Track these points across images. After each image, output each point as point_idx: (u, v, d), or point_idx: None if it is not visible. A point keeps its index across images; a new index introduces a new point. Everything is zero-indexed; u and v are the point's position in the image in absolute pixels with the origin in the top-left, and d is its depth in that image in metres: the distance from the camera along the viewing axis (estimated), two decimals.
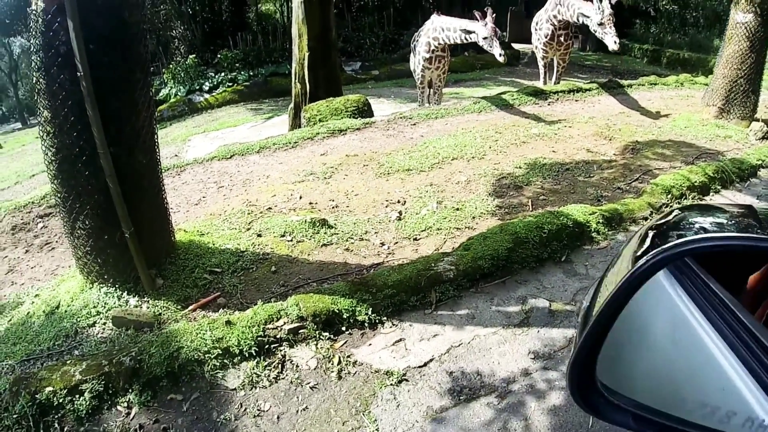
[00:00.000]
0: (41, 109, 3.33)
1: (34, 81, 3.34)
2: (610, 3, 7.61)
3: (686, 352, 0.76)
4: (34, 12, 3.12)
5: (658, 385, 0.78)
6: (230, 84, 15.20)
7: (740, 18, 7.10)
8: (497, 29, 7.30)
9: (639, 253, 0.77)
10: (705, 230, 0.76)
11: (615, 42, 7.55)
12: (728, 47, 7.32)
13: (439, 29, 8.07)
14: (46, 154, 3.44)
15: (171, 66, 15.60)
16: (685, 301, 0.76)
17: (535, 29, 9.65)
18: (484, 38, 7.29)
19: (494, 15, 7.34)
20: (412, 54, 9.32)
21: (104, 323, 3.46)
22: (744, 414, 0.65)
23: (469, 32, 7.47)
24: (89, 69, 3.06)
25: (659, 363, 0.79)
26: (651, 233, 0.78)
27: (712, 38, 16.13)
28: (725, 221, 0.76)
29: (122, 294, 3.65)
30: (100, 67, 3.14)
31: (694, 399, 0.71)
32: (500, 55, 7.22)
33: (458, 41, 7.90)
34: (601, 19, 7.63)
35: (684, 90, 9.41)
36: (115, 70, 3.27)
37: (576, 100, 8.74)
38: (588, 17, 7.91)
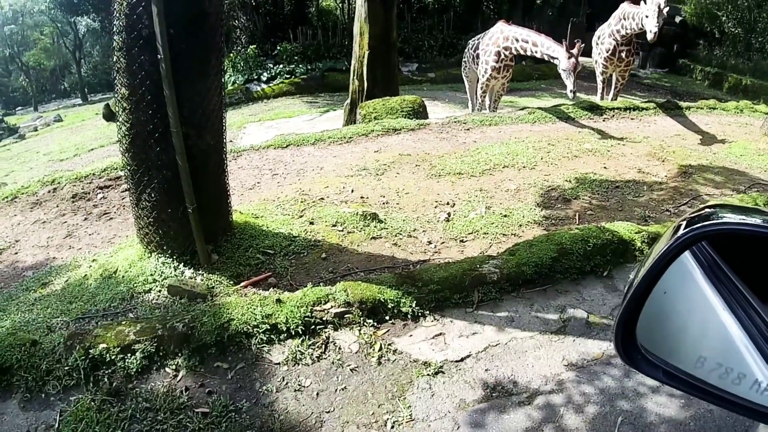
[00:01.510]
0: (119, 86, 3.53)
1: (114, 60, 3.54)
2: (659, 8, 7.61)
3: (704, 322, 0.90)
4: None
5: (682, 348, 0.92)
6: (288, 76, 15.52)
7: None
8: (578, 64, 7.26)
9: (672, 235, 0.89)
10: (731, 219, 0.88)
11: (651, 32, 7.70)
12: None
13: (512, 39, 8.00)
14: (120, 129, 3.66)
15: (231, 55, 16.04)
16: (704, 280, 0.89)
17: (597, 43, 9.56)
18: (563, 70, 7.28)
19: (582, 46, 7.32)
20: (469, 60, 9.32)
21: (159, 291, 3.65)
22: (751, 377, 0.81)
23: (552, 58, 7.45)
24: (168, 52, 3.25)
25: (683, 329, 0.93)
26: (684, 222, 0.90)
27: None
28: (757, 216, 0.88)
29: (178, 265, 3.85)
30: (179, 52, 3.34)
31: (711, 361, 0.85)
32: (571, 91, 7.24)
33: (536, 55, 7.85)
34: (648, 11, 7.65)
35: (743, 117, 9.16)
36: (192, 55, 3.46)
37: (632, 119, 8.62)
38: (646, 28, 7.95)
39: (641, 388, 2.88)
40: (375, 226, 4.58)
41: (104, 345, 2.93)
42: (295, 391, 2.86)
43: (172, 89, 3.34)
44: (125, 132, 3.63)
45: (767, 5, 16.55)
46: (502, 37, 8.17)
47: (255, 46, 16.49)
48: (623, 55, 9.09)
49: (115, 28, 3.44)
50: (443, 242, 4.45)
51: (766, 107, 9.57)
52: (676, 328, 0.94)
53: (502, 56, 8.28)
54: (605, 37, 9.17)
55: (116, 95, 3.62)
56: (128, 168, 3.76)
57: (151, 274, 3.78)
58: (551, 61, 7.58)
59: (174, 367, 2.96)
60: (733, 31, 17.65)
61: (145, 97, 3.44)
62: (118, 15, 3.38)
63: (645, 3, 7.92)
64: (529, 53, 7.96)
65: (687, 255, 0.89)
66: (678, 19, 18.57)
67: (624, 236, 4.09)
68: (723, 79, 16.93)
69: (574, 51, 7.23)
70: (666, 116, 8.78)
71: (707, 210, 0.90)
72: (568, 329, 3.35)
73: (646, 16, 7.87)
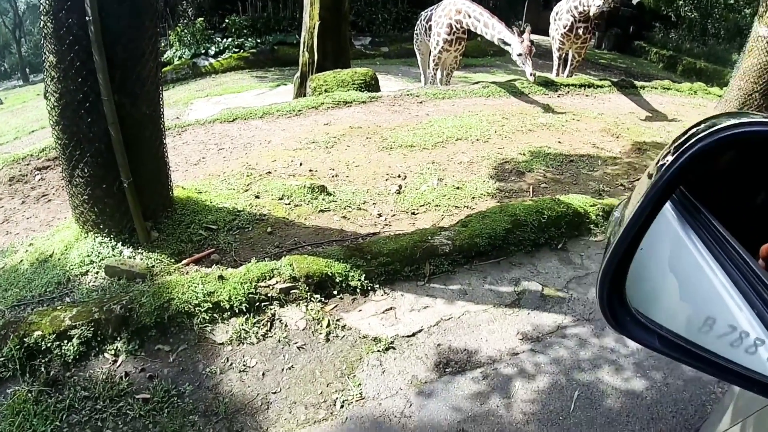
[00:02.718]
0: (47, 53, 3.29)
1: (41, 25, 3.29)
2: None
3: (692, 279, 0.79)
4: None
5: (683, 309, 0.79)
6: (236, 50, 15.01)
7: (763, 31, 7.02)
8: (533, 47, 7.23)
9: (659, 163, 0.74)
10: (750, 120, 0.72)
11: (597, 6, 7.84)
12: (747, 60, 7.24)
13: (465, 13, 7.87)
14: (49, 100, 3.41)
15: (178, 28, 15.37)
16: (690, 236, 0.78)
17: (554, 19, 9.53)
18: (519, 55, 7.21)
19: (531, 34, 7.26)
20: (422, 33, 9.15)
21: (97, 272, 3.48)
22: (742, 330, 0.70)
23: (505, 43, 7.37)
24: (98, 14, 3.03)
25: (686, 285, 0.80)
26: (678, 142, 0.75)
27: (731, 51, 15.74)
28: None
29: (116, 245, 3.66)
30: (109, 13, 3.11)
31: (722, 323, 0.72)
32: (531, 74, 7.18)
33: (486, 37, 7.77)
34: None
35: (697, 99, 9.35)
36: (123, 17, 3.23)
37: (587, 95, 8.67)
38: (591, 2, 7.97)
39: (598, 360, 2.86)
40: (323, 199, 4.43)
41: (39, 332, 2.76)
42: (240, 371, 2.74)
43: (103, 54, 3.10)
44: (54, 103, 3.37)
45: None
46: (455, 10, 8.04)
47: (202, 18, 15.79)
48: (580, 32, 9.10)
49: None
50: (394, 215, 4.35)
51: (720, 90, 9.76)
52: (674, 284, 0.81)
53: (454, 29, 8.14)
54: (563, 13, 9.15)
55: (44, 64, 3.36)
56: (59, 142, 3.51)
57: (88, 255, 3.58)
58: (502, 46, 7.52)
59: (113, 352, 2.81)
60: (689, 15, 18.01)
61: (74, 63, 3.19)
62: None
63: None
64: (479, 32, 7.86)
65: (669, 206, 0.76)
66: (635, 0, 18.81)
67: (578, 209, 4.07)
68: (677, 62, 17.24)
69: (525, 35, 7.20)
70: (621, 94, 8.88)
71: (705, 125, 0.74)
72: (522, 302, 3.30)
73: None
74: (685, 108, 8.58)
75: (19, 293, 3.39)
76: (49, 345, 2.74)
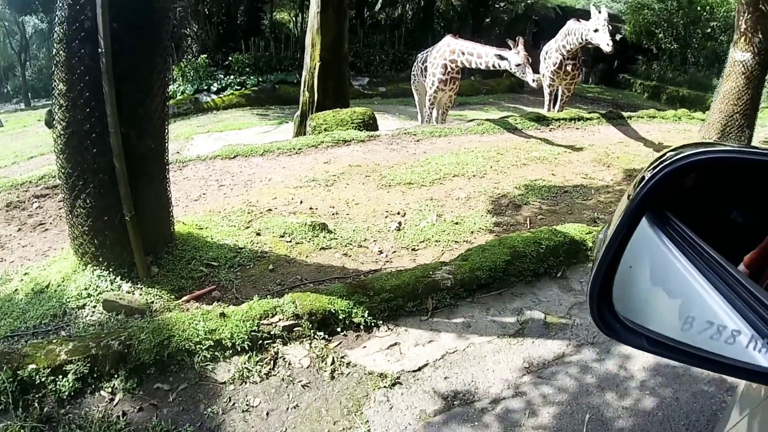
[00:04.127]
0: (57, 81, 3.33)
1: (53, 52, 3.34)
2: (609, 30, 7.87)
3: (673, 286, 0.86)
4: None
5: (665, 311, 0.88)
6: (238, 87, 15.22)
7: (739, 56, 7.37)
8: (529, 57, 7.37)
9: (642, 182, 0.86)
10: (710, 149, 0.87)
11: (608, 44, 7.96)
12: (726, 84, 7.56)
13: (459, 52, 8.06)
14: (56, 128, 3.44)
15: (182, 64, 15.60)
16: (673, 244, 0.85)
17: (544, 58, 9.82)
18: (517, 65, 7.33)
19: (524, 45, 7.42)
20: (418, 73, 9.34)
21: (94, 306, 3.42)
22: (747, 333, 0.75)
23: (502, 58, 7.50)
24: (111, 47, 3.07)
25: (664, 291, 0.89)
26: (652, 167, 0.87)
27: (711, 77, 16.41)
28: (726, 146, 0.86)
29: (115, 279, 3.61)
30: (122, 47, 3.16)
31: (701, 320, 0.80)
32: (533, 81, 7.32)
33: (482, 66, 7.94)
34: (596, 25, 7.97)
35: (681, 124, 9.59)
36: (135, 51, 3.29)
37: (577, 128, 8.84)
38: (591, 39, 8.23)
39: (606, 382, 2.87)
40: (324, 237, 4.45)
41: (33, 366, 2.69)
42: (243, 411, 2.69)
43: (112, 86, 3.14)
44: (61, 131, 3.40)
45: (701, 22, 17.61)
46: (449, 50, 8.24)
47: (206, 55, 16.08)
48: (569, 68, 9.37)
49: (57, 19, 3.24)
50: (395, 251, 4.36)
51: (702, 114, 10.02)
52: (657, 290, 0.89)
53: (449, 69, 8.33)
54: (552, 52, 9.44)
55: (54, 91, 3.40)
56: (62, 171, 3.51)
57: (86, 288, 3.53)
58: (499, 67, 7.65)
59: (110, 389, 2.74)
60: (669, 47, 18.72)
61: (83, 93, 3.23)
62: (60, 5, 3.18)
63: (592, 17, 8.17)
64: (474, 66, 8.04)
65: (646, 222, 0.86)
66: (618, 37, 19.34)
67: (575, 237, 4.14)
68: (661, 91, 17.93)
69: (519, 47, 7.34)
70: (609, 125, 9.07)
71: (672, 152, 0.87)
72: (526, 331, 3.31)
73: (596, 30, 8.09)
74: (671, 134, 8.79)
75: (12, 324, 3.32)
76: (43, 379, 2.66)
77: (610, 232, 0.86)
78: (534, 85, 7.47)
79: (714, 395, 2.74)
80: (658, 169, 0.84)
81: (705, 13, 17.54)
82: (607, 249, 0.86)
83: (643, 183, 0.85)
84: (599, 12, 8.05)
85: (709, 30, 17.61)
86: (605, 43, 7.95)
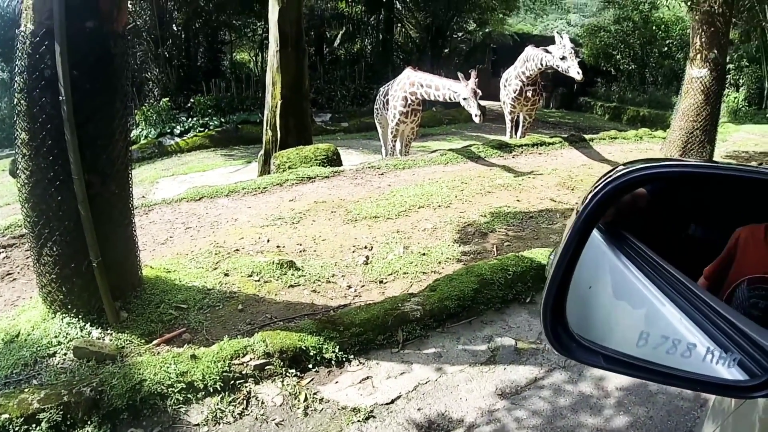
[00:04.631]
0: (19, 131, 3.34)
1: (15, 102, 3.35)
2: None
3: (638, 298, 0.88)
4: (22, 34, 3.18)
5: (620, 328, 0.89)
6: (201, 129, 15.17)
7: (695, 73, 7.60)
8: (477, 91, 7.55)
9: (589, 196, 0.87)
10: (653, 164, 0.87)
11: (578, 73, 8.10)
12: (684, 101, 7.78)
13: (418, 84, 8.23)
14: (20, 177, 3.44)
15: (144, 108, 15.53)
16: (622, 258, 0.88)
17: (504, 85, 10.00)
18: (464, 99, 7.53)
19: (477, 79, 7.61)
20: (380, 107, 9.49)
21: (65, 354, 3.39)
22: (703, 346, 0.77)
23: (454, 92, 7.70)
24: (71, 94, 3.10)
25: (617, 309, 0.90)
26: (599, 184, 0.87)
27: (670, 95, 16.84)
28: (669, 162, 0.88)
29: (85, 325, 3.59)
30: (82, 94, 3.19)
31: (655, 335, 0.82)
32: (476, 115, 7.48)
33: (440, 98, 8.10)
34: (563, 53, 8.12)
35: (643, 144, 9.86)
36: (96, 97, 3.32)
37: (540, 153, 9.05)
38: (558, 66, 8.42)
39: (579, 405, 2.91)
40: (292, 274, 4.45)
41: (6, 416, 2.67)
42: None
43: (74, 133, 3.16)
44: (25, 180, 3.40)
45: (657, 41, 18.32)
46: (409, 83, 8.41)
47: (168, 99, 16.01)
48: (529, 94, 9.56)
49: (17, 69, 3.27)
50: (363, 285, 4.39)
51: (663, 133, 10.34)
52: (614, 308, 0.91)
53: (409, 101, 8.48)
54: (512, 79, 9.62)
55: (17, 141, 3.40)
56: (28, 220, 3.50)
57: (56, 336, 3.49)
58: (454, 99, 7.85)
59: None
60: (627, 67, 19.39)
61: (45, 141, 3.24)
62: (20, 54, 3.21)
63: (556, 44, 8.38)
64: (433, 97, 8.22)
65: (603, 242, 0.88)
66: (577, 60, 19.97)
67: (542, 262, 4.21)
68: (622, 112, 18.49)
69: (471, 80, 7.53)
70: (572, 149, 9.31)
71: (619, 168, 0.88)
72: (497, 358, 3.36)
73: (562, 58, 8.31)
74: (633, 154, 9.04)
75: None
76: (17, 429, 2.65)
77: (560, 250, 0.87)
78: (477, 120, 7.61)
79: (688, 412, 2.81)
80: (603, 184, 0.86)
81: (660, 32, 18.23)
82: (557, 266, 0.86)
83: (589, 199, 0.86)
84: (562, 38, 8.27)
85: (665, 48, 18.29)
86: (575, 72, 8.16)
